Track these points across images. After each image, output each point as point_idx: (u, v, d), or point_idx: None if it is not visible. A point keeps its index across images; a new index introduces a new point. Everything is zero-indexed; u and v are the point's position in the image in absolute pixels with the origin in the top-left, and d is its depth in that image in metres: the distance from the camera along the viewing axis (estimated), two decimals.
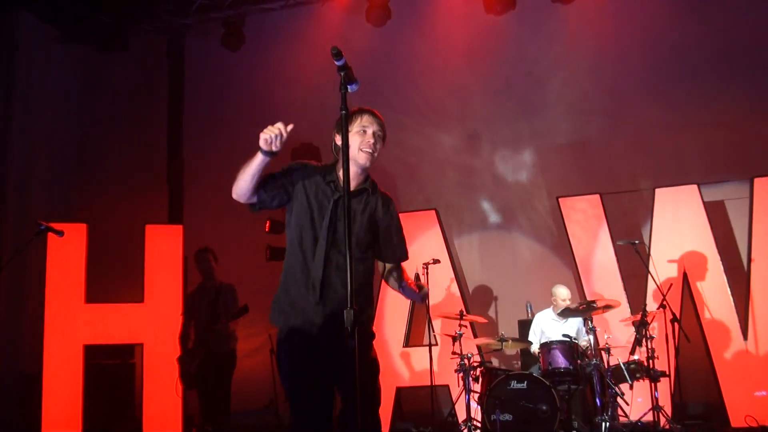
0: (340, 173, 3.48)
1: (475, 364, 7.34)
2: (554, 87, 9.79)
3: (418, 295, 3.91)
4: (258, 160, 3.41)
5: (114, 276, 9.08)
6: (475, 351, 7.99)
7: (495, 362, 8.80)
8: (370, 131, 3.64)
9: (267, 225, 9.21)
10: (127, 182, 10.40)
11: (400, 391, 8.75)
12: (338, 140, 3.65)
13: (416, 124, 10.20)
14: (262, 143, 3.35)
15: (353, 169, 3.59)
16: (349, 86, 2.99)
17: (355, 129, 3.62)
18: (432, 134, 10.20)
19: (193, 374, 7.55)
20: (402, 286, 3.92)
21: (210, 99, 10.82)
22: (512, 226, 9.74)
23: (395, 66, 10.12)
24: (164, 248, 8.55)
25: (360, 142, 3.61)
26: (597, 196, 8.71)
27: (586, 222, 8.74)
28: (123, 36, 10.51)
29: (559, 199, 8.88)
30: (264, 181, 3.58)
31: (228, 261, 8.44)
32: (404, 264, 3.98)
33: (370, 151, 3.63)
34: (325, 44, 3.10)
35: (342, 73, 2.99)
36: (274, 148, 3.36)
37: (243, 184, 3.50)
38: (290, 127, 3.39)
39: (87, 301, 8.30)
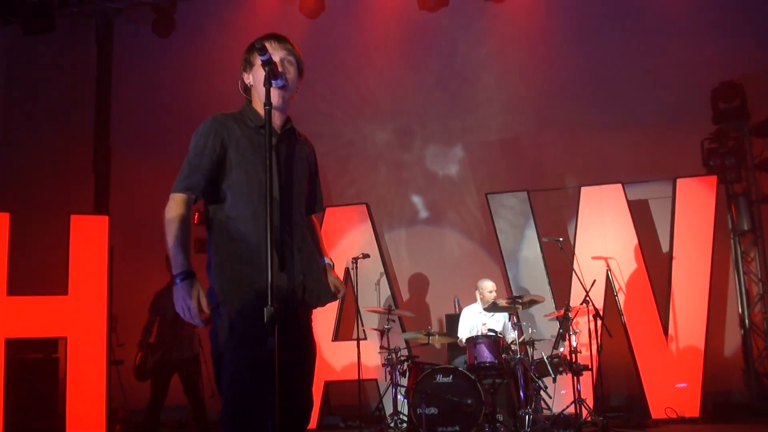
0: (260, 110, 3.03)
1: (403, 359, 7.39)
2: (485, 85, 9.91)
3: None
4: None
5: (37, 267, 8.87)
6: (403, 345, 8.04)
7: (422, 356, 8.86)
8: (276, 59, 2.97)
9: (196, 217, 9.04)
10: (52, 170, 10.15)
11: (328, 385, 8.76)
12: (246, 79, 3.14)
13: (349, 118, 10.20)
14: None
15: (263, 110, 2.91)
16: (273, 81, 2.93)
17: (258, 61, 2.95)
18: (364, 128, 10.21)
19: (148, 368, 7.50)
20: (319, 250, 3.24)
21: (139, 85, 10.60)
22: (442, 221, 9.83)
23: (329, 59, 10.08)
24: (89, 239, 8.35)
25: (266, 75, 2.86)
26: (525, 193, 8.88)
27: (514, 218, 8.89)
28: (50, 17, 10.16)
29: (488, 195, 9.01)
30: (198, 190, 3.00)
31: (155, 254, 8.28)
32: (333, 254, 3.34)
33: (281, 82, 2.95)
34: (257, 34, 3.03)
35: (266, 68, 2.88)
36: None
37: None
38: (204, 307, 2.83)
39: (9, 293, 8.05)
